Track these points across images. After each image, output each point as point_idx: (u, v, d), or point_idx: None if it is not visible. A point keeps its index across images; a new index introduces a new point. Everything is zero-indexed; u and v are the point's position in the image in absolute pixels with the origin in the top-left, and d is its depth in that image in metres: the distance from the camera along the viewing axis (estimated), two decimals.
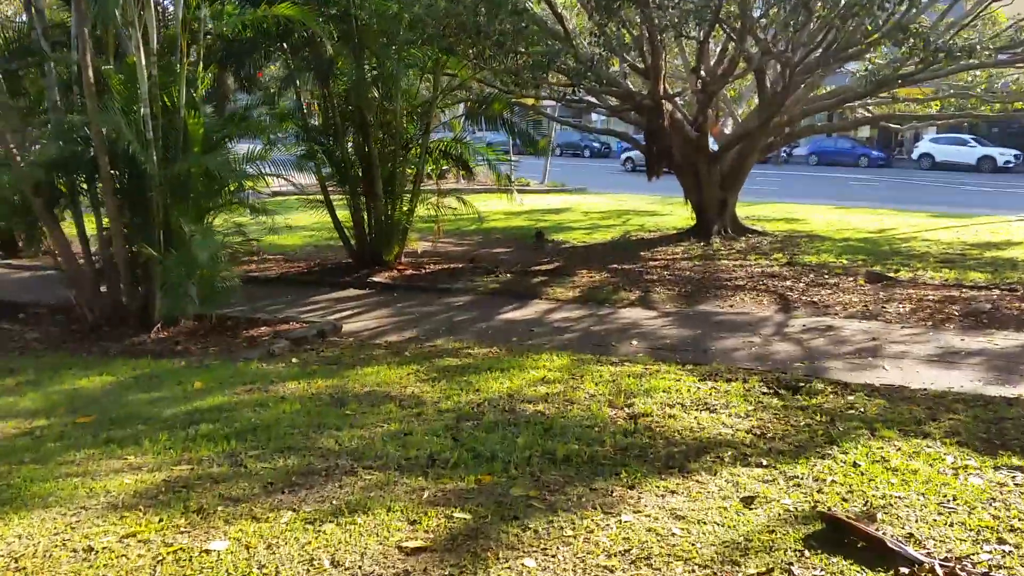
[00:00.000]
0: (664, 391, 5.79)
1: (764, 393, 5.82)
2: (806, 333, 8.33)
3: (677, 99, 17.16)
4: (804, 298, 9.91)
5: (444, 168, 12.34)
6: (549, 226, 17.62)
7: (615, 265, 12.59)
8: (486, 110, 11.33)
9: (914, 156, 38.63)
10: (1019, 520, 3.78)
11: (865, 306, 9.43)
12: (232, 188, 9.65)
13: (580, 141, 48.51)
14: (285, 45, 10.94)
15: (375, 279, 11.15)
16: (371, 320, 9.30)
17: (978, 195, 25.83)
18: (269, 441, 4.71)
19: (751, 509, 3.84)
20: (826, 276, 11.38)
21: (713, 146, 16.45)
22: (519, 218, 19.02)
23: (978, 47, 10.90)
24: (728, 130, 17.76)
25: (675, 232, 16.32)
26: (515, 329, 8.73)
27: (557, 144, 50.23)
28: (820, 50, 12.36)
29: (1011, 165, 35.58)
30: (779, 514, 3.79)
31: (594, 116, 47.97)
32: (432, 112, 11.49)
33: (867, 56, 15.88)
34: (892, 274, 11.34)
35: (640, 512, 3.79)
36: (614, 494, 3.98)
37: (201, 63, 8.54)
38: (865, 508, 3.85)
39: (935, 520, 3.75)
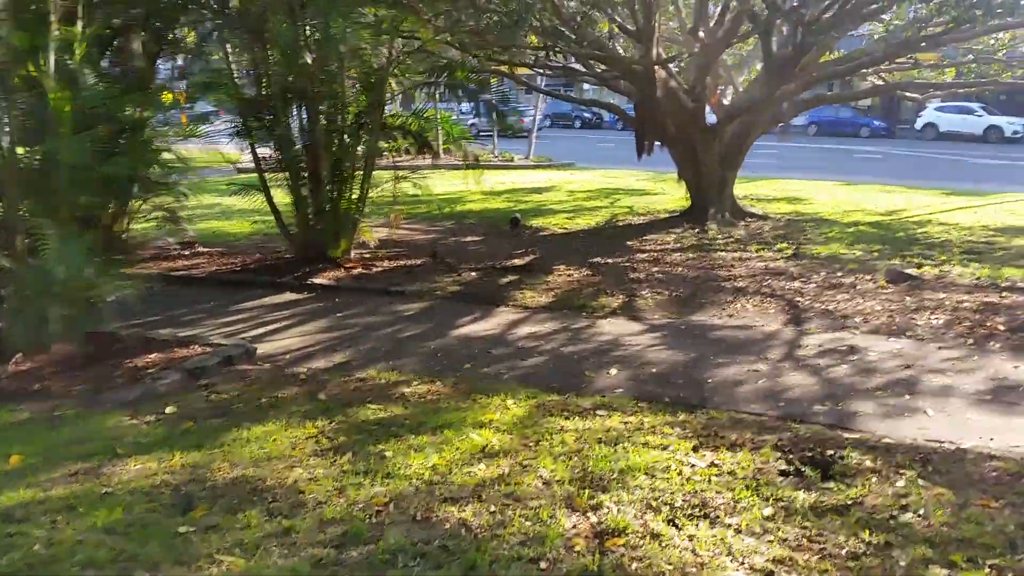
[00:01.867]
0: (646, 473, 4.25)
1: (783, 474, 4.28)
2: (824, 357, 6.80)
3: (672, 65, 15.49)
4: (817, 305, 8.37)
5: (406, 147, 10.69)
6: (529, 208, 16.02)
7: (598, 258, 11.02)
8: (447, 79, 9.64)
9: (917, 126, 36.93)
10: None
11: (890, 316, 7.89)
12: (154, 172, 8.15)
13: (571, 112, 46.66)
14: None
15: (316, 280, 9.56)
16: (299, 337, 7.74)
17: (987, 169, 24.24)
18: None
19: None
20: (839, 274, 9.83)
21: (711, 118, 14.82)
22: (498, 199, 17.41)
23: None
24: (728, 100, 16.10)
25: (667, 216, 14.73)
26: (471, 350, 7.20)
27: (546, 115, 48.49)
28: (836, 7, 10.71)
29: (1019, 135, 33.93)
30: None
31: (586, 86, 46.31)
32: (386, 81, 9.82)
33: (884, 17, 14.24)
34: (915, 271, 9.81)
35: None
36: None
37: (83, 22, 6.88)
38: None
39: None
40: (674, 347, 7.14)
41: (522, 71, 17.44)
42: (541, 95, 26.19)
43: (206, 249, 11.58)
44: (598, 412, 5.44)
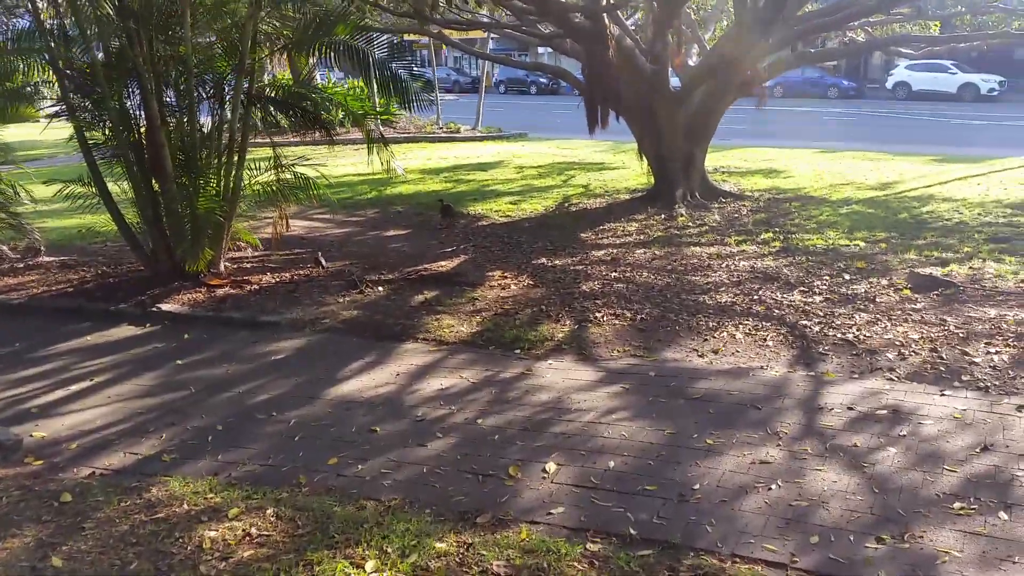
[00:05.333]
0: None
1: None
2: (859, 430, 4.65)
3: (627, 21, 13.19)
4: (830, 332, 6.21)
5: (285, 125, 8.26)
6: (470, 191, 13.70)
7: (543, 260, 8.78)
8: (322, 36, 7.13)
9: (888, 85, 35.02)
10: None
11: (933, 351, 5.76)
12: None
13: (526, 77, 44.11)
14: None
15: (165, 306, 7.18)
16: (108, 405, 5.41)
17: (971, 130, 22.38)
18: None
19: None
20: (847, 276, 7.72)
21: (675, 82, 12.57)
22: (436, 179, 15.06)
23: None
24: (693, 61, 13.85)
25: (628, 197, 12.52)
26: (345, 428, 4.94)
27: (500, 80, 45.83)
28: None
29: (995, 93, 32.17)
30: None
31: (541, 49, 43.65)
32: (250, 39, 7.34)
33: None
34: (942, 272, 7.72)
35: None
36: None
37: None
38: None
39: None
40: (640, 414, 4.94)
41: (452, 34, 15.05)
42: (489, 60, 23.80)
43: (49, 259, 9.11)
44: (525, 567, 3.23)
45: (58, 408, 5.41)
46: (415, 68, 8.06)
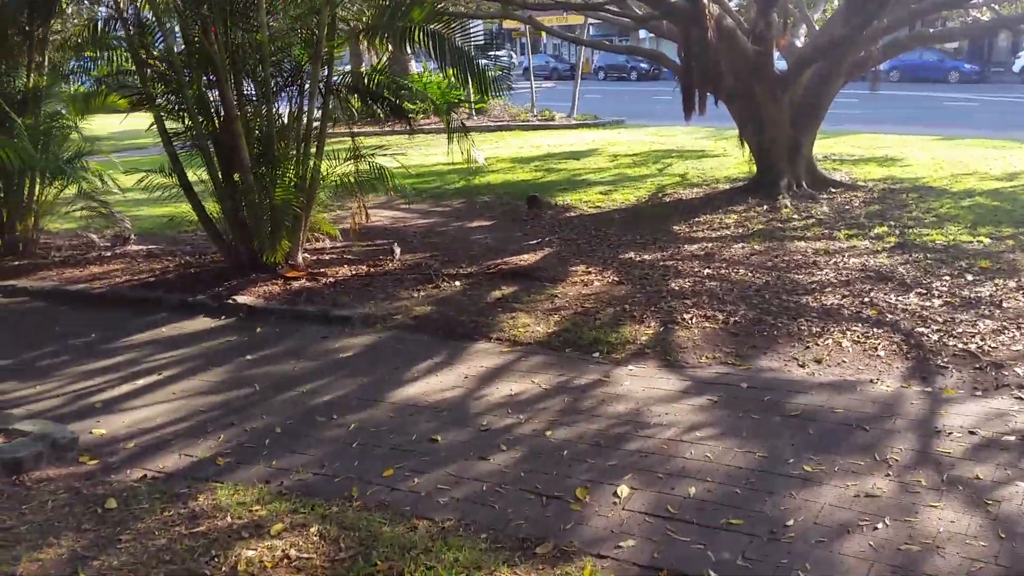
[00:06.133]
0: None
1: None
2: (982, 460, 4.02)
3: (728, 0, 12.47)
4: (951, 341, 5.53)
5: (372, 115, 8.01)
6: (559, 180, 13.26)
7: (630, 254, 8.29)
8: (398, 22, 6.73)
9: (1015, 69, 32.75)
10: None
11: None
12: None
13: (626, 63, 43.18)
14: None
15: (241, 298, 7.05)
16: (172, 401, 5.26)
17: None
18: None
19: None
20: (969, 277, 6.95)
21: (780, 64, 11.79)
22: (526, 168, 14.66)
23: None
24: (800, 42, 12.99)
25: (728, 187, 11.84)
26: (407, 435, 4.62)
27: (599, 66, 45.00)
28: None
29: None
30: None
31: (642, 34, 42.58)
32: (326, 25, 7.09)
33: None
34: None
35: None
36: None
37: None
38: None
39: None
40: (729, 433, 4.43)
41: (551, 20, 14.59)
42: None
43: (136, 248, 9.18)
44: None
45: (122, 404, 5.29)
46: (494, 53, 7.64)
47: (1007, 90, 29.31)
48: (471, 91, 20.57)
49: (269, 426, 4.83)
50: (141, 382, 5.63)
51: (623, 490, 3.89)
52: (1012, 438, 4.18)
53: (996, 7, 13.99)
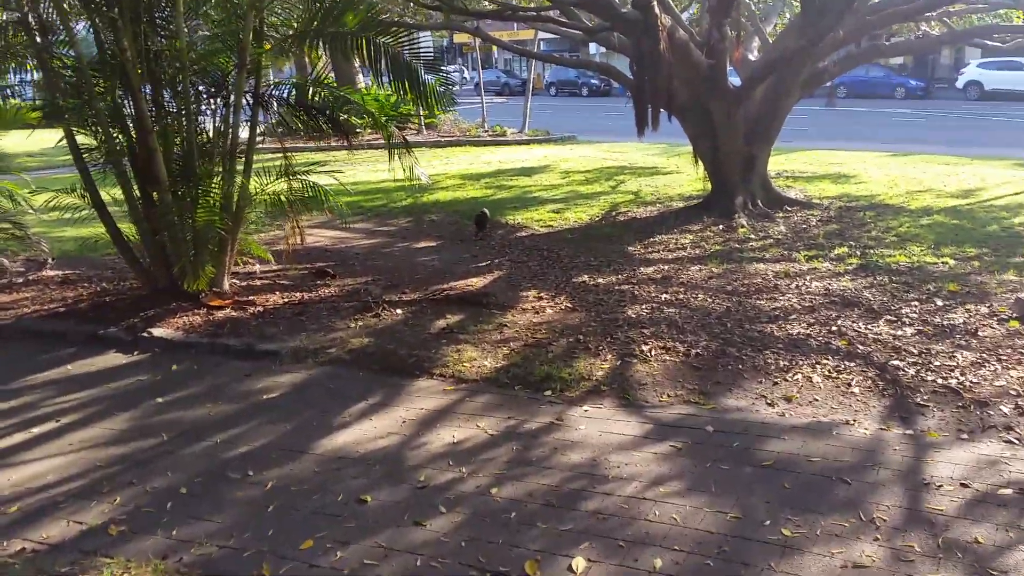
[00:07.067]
0: None
1: None
2: (978, 518, 3.60)
3: (682, 14, 12.15)
4: (929, 376, 5.14)
5: (316, 128, 7.39)
6: (511, 197, 12.78)
7: (584, 277, 7.82)
8: (329, 27, 6.16)
9: (959, 85, 33.19)
10: None
11: None
12: None
13: (577, 78, 43.05)
14: None
15: (157, 331, 6.39)
16: (65, 455, 4.61)
17: None
18: None
19: None
20: (939, 301, 6.61)
21: (734, 79, 11.49)
22: (476, 185, 14.16)
23: None
24: (754, 56, 12.74)
25: (682, 204, 11.49)
26: (332, 493, 4.05)
27: (550, 82, 44.78)
28: None
29: None
30: None
31: (592, 48, 42.44)
32: (251, 30, 6.48)
33: None
34: None
35: None
36: None
37: None
38: None
39: None
40: (696, 488, 3.95)
41: (502, 35, 14.12)
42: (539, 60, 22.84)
43: (53, 273, 8.45)
44: None
45: (10, 457, 4.63)
46: (445, 69, 7.09)
47: (952, 106, 29.73)
48: (421, 106, 20.14)
49: (173, 485, 4.22)
50: (36, 430, 4.97)
51: (579, 563, 3.38)
52: (1008, 491, 3.77)
53: (947, 21, 13.91)
